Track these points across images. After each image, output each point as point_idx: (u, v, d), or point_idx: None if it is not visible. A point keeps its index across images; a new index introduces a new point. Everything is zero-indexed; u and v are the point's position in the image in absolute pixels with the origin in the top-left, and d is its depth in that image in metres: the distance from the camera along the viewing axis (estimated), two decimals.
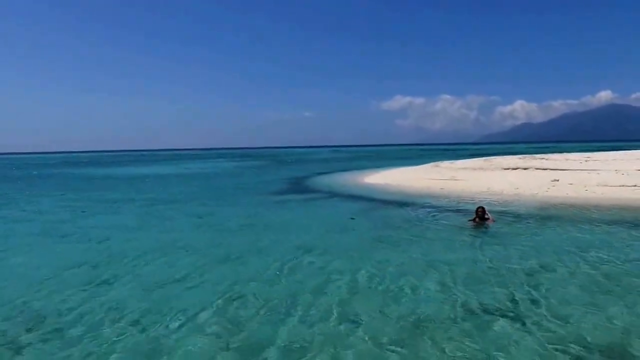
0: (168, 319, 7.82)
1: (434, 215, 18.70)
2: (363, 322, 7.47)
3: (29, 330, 7.44)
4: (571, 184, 25.03)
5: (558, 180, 25.98)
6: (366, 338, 6.86)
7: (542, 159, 34.13)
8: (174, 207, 24.04)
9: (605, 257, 11.41)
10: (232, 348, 6.68)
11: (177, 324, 7.59)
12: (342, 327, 7.31)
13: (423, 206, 21.70)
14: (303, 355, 6.34)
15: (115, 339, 7.04)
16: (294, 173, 51.23)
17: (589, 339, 6.72)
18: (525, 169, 29.89)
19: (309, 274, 10.43)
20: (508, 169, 30.44)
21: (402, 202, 23.30)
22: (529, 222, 16.65)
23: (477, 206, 17.33)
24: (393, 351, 6.44)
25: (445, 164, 38.96)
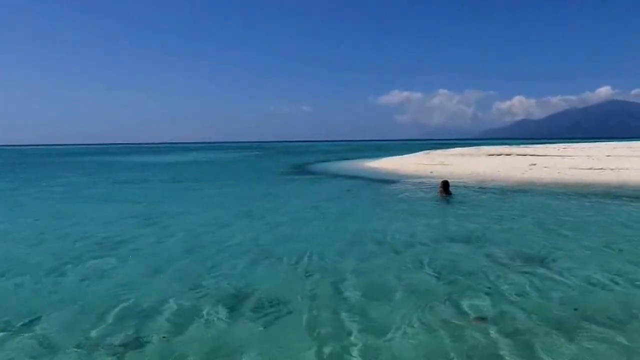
0: (210, 240, 10.75)
1: (419, 189, 21.57)
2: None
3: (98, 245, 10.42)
4: (546, 167, 27.87)
5: (535, 165, 28.82)
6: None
7: (525, 147, 36.97)
8: (201, 184, 27.06)
9: (561, 214, 14.31)
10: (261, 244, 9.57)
11: (214, 248, 10.53)
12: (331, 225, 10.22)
13: (411, 183, 24.59)
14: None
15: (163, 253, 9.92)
16: (296, 160, 54.05)
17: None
18: (508, 155, 32.74)
19: (309, 221, 13.45)
20: (493, 155, 33.27)
21: (393, 181, 26.22)
22: (504, 194, 19.48)
23: (442, 180, 19.85)
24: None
25: (437, 151, 41.89)
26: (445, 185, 18.87)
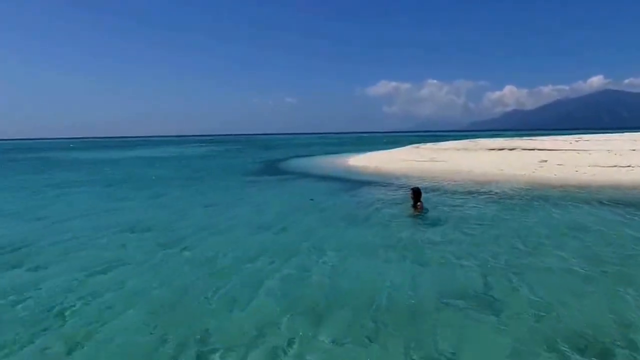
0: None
1: (398, 196, 16.39)
2: None
3: None
4: (560, 164, 22.96)
5: (546, 161, 23.89)
6: None
7: (530, 140, 32.07)
8: (138, 188, 21.60)
9: (601, 241, 9.35)
10: None
11: None
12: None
13: (391, 187, 19.50)
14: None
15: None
16: (273, 156, 48.80)
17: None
18: (511, 149, 27.79)
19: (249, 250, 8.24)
20: (493, 149, 28.32)
21: (371, 182, 21.15)
22: (512, 204, 14.46)
23: (411, 187, 13.94)
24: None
25: (427, 145, 36.78)
26: (415, 195, 13.20)
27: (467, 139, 54.50)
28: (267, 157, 45.16)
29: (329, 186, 20.51)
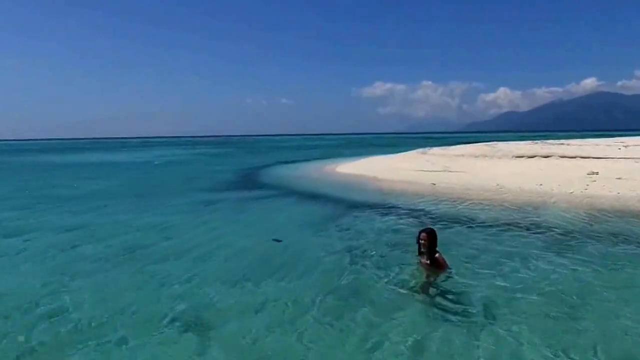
0: None
1: (409, 232, 10.53)
2: None
3: None
4: (619, 178, 17.39)
5: (597, 173, 18.28)
6: None
7: (564, 143, 26.48)
8: (49, 209, 15.68)
9: None
10: None
11: None
12: None
13: (397, 213, 13.84)
14: None
15: None
16: (257, 161, 43.05)
17: None
18: (545, 157, 22.14)
19: None
20: (522, 157, 22.68)
21: (369, 205, 15.37)
22: (587, 250, 8.83)
23: (421, 229, 7.76)
24: None
25: (436, 150, 31.08)
26: (430, 241, 7.25)
27: (468, 140, 49.05)
28: (250, 164, 39.27)
29: (308, 212, 14.75)
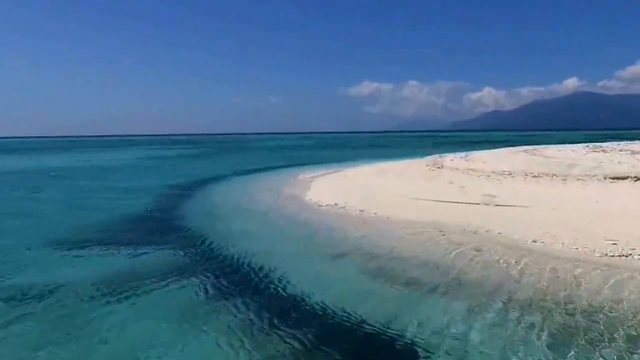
0: None
1: None
2: None
3: None
4: None
5: None
6: None
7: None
8: None
9: None
10: None
11: None
12: None
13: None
14: None
15: None
16: (220, 169, 33.35)
17: None
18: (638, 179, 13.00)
19: None
20: (624, 178, 13.50)
21: (369, 326, 5.93)
22: None
23: None
24: None
25: (454, 159, 21.59)
26: None
27: (458, 139, 40.06)
28: (194, 176, 28.83)
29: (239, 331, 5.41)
